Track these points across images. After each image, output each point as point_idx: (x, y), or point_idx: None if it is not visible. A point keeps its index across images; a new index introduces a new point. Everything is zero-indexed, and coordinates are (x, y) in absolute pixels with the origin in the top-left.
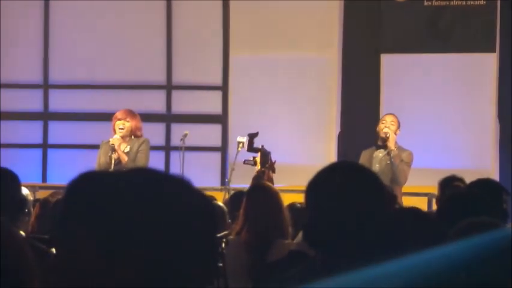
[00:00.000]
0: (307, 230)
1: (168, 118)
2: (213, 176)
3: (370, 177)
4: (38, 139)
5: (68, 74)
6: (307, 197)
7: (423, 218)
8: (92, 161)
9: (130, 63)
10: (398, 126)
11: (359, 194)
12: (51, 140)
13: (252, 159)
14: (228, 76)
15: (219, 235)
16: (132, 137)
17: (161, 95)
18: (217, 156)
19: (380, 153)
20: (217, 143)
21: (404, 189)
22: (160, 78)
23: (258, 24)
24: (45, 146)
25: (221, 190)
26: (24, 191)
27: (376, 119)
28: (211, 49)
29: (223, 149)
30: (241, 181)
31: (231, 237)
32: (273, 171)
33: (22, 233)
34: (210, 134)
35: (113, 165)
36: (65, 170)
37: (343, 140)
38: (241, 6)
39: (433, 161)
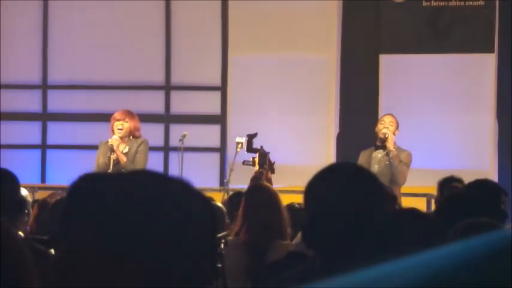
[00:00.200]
0: (306, 230)
1: (167, 119)
2: (211, 176)
3: (369, 178)
4: (36, 140)
5: (66, 75)
6: (306, 198)
7: (422, 219)
8: (91, 162)
9: (129, 64)
10: (397, 127)
11: (358, 195)
12: (50, 141)
13: (251, 159)
14: (226, 77)
15: (218, 236)
16: (131, 137)
17: (160, 95)
18: (216, 157)
19: (379, 154)
20: (216, 143)
21: (403, 189)
22: (159, 78)
23: (256, 24)
24: (44, 146)
25: (220, 191)
26: (23, 191)
27: (375, 119)
28: (210, 50)
29: (222, 149)
30: (240, 182)
31: (230, 238)
32: (272, 172)
33: (21, 233)
34: (209, 135)
35: (111, 165)
36: (63, 170)
37: (342, 140)
38: (240, 6)
39: (432, 162)
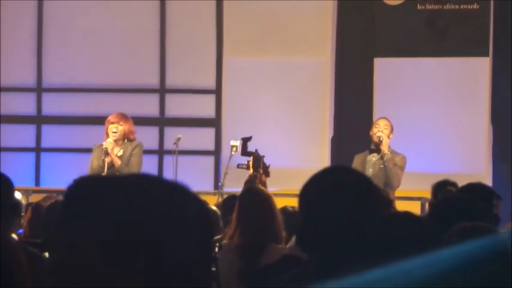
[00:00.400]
0: (301, 234)
1: (162, 122)
2: (206, 179)
3: (364, 181)
4: (31, 143)
5: (61, 78)
6: (300, 201)
7: (416, 222)
8: (85, 165)
9: (123, 67)
10: (392, 130)
11: (352, 199)
12: (45, 144)
13: (245, 163)
14: (221, 80)
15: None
16: (125, 140)
17: (154, 98)
18: (210, 160)
19: (373, 157)
20: (211, 146)
21: (397, 193)
22: (154, 81)
23: (251, 28)
24: (38, 149)
25: (214, 194)
26: (17, 195)
27: (369, 123)
28: (205, 53)
29: (216, 152)
30: (235, 185)
31: (225, 241)
32: (267, 175)
33: (15, 236)
34: (204, 138)
35: (106, 169)
36: (58, 173)
37: (337, 144)
38: (235, 10)
39: (426, 165)
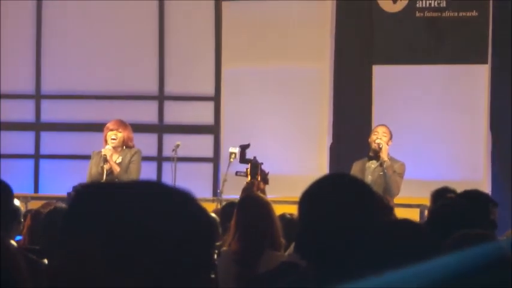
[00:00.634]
0: (300, 241)
1: (160, 129)
2: (205, 187)
3: (363, 188)
4: (30, 149)
5: (60, 85)
6: (300, 208)
7: (416, 230)
8: (84, 172)
9: (122, 74)
10: (391, 137)
11: (352, 206)
12: (43, 151)
13: (244, 170)
14: (220, 87)
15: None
16: (124, 147)
17: (153, 105)
18: (209, 167)
19: (372, 164)
20: (210, 153)
21: (396, 200)
22: (153, 88)
23: (250, 35)
24: (37, 156)
25: (213, 201)
26: (16, 202)
27: (368, 130)
28: (204, 60)
29: (215, 159)
30: (234, 192)
31: (225, 248)
32: (266, 183)
33: (13, 243)
34: (202, 145)
35: (104, 175)
36: (57, 180)
37: (335, 151)
38: (234, 17)
39: (425, 173)
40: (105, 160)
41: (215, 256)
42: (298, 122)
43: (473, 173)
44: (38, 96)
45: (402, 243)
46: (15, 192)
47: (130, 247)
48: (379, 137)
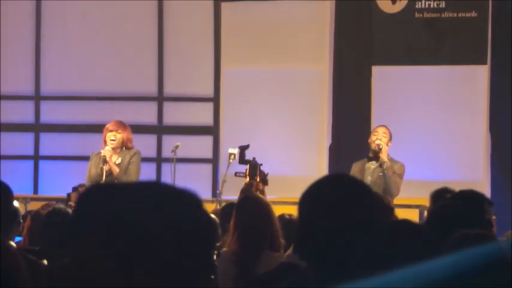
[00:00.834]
0: (300, 241)
1: (160, 130)
2: (204, 187)
3: (364, 189)
4: (29, 151)
5: (59, 86)
6: (299, 209)
7: (416, 230)
8: (83, 173)
9: (121, 75)
10: (390, 138)
11: (352, 206)
12: (43, 152)
13: (243, 171)
14: (219, 88)
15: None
16: (123, 148)
17: (152, 106)
18: (208, 168)
19: (372, 165)
20: (209, 154)
21: (396, 201)
22: (152, 89)
23: (249, 36)
24: (36, 157)
25: (212, 202)
26: (15, 202)
27: (367, 131)
28: (203, 61)
29: (214, 160)
30: (233, 193)
31: (225, 249)
32: (265, 184)
33: (13, 243)
34: (202, 146)
35: (104, 176)
36: (56, 181)
37: (335, 151)
38: (233, 19)
39: (425, 173)
40: (105, 161)
41: (215, 257)
42: (298, 122)
43: (472, 174)
44: (37, 97)
45: (402, 244)
46: (15, 193)
47: (130, 248)
48: (379, 138)
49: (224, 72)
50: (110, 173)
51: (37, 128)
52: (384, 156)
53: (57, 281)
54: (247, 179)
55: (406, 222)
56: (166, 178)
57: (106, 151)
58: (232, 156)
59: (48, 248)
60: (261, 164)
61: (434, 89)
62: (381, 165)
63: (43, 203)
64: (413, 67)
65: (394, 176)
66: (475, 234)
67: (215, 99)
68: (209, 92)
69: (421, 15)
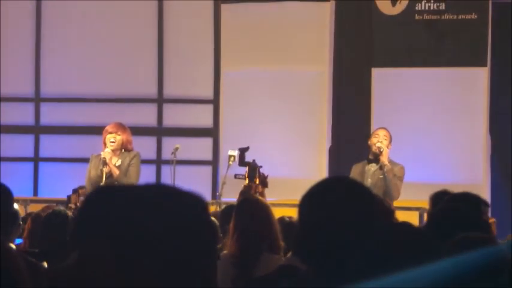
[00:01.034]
0: (300, 244)
1: (159, 131)
2: (204, 189)
3: (363, 191)
4: (29, 153)
5: (59, 88)
6: (300, 212)
7: (417, 232)
8: (83, 175)
9: (121, 77)
10: (391, 141)
11: (353, 209)
12: (43, 154)
13: (243, 173)
14: (219, 90)
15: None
16: (123, 150)
17: (152, 108)
18: (208, 170)
19: (372, 168)
20: (209, 156)
21: (396, 203)
22: (152, 91)
23: (249, 38)
24: (36, 159)
25: (212, 204)
26: (14, 205)
27: (367, 133)
28: (203, 63)
29: (214, 162)
30: (233, 195)
31: (225, 251)
32: (265, 186)
33: (13, 245)
34: (201, 148)
35: (104, 178)
36: (56, 183)
37: (335, 154)
38: (233, 20)
39: (425, 175)
40: (105, 163)
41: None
42: (298, 124)
43: (472, 176)
44: (37, 99)
45: (403, 246)
46: (15, 195)
47: (131, 248)
48: (379, 140)
49: (224, 74)
50: (109, 175)
51: (37, 129)
52: (384, 159)
53: (57, 282)
54: (247, 181)
55: (406, 225)
56: (166, 180)
57: (106, 153)
58: (232, 158)
59: (48, 249)
60: (261, 166)
61: (434, 91)
62: (381, 168)
63: (43, 205)
64: (413, 69)
65: (394, 179)
66: (475, 237)
67: (215, 101)
68: (209, 93)
69: (421, 17)
